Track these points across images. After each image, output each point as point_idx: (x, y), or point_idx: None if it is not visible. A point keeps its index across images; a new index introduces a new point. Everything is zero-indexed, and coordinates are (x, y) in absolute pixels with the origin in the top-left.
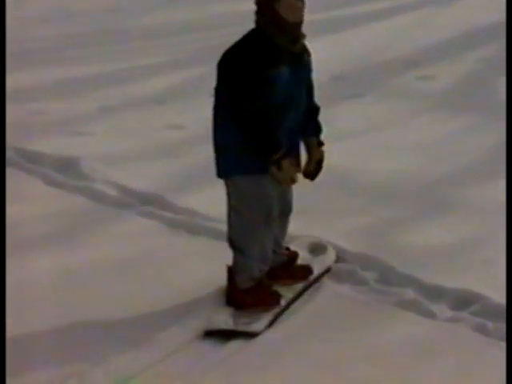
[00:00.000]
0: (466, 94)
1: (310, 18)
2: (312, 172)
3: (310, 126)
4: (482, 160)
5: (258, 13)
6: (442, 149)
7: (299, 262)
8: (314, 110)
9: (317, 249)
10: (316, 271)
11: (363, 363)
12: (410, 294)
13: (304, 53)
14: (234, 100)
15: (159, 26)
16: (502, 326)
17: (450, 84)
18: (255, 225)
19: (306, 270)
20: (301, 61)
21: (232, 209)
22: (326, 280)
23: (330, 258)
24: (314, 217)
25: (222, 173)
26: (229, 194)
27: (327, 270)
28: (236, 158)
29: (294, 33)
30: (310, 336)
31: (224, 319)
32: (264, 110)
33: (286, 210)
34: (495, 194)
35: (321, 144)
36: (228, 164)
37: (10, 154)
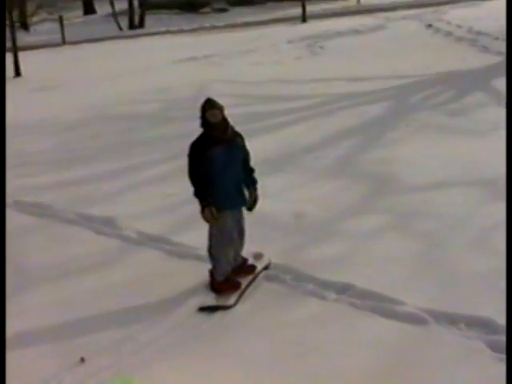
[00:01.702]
0: (339, 167)
1: (249, 127)
2: (251, 206)
3: (249, 180)
4: (351, 205)
5: (201, 119)
6: (327, 199)
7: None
8: (250, 171)
9: (257, 256)
10: (258, 268)
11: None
12: (311, 286)
13: (236, 138)
14: (188, 168)
15: (159, 137)
16: (368, 303)
17: (330, 161)
18: (223, 243)
19: (253, 267)
20: (233, 143)
21: (211, 234)
22: (262, 280)
23: (265, 260)
24: (251, 243)
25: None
26: (209, 226)
27: (265, 268)
28: (214, 201)
29: (219, 128)
30: (254, 316)
31: (209, 299)
32: (202, 175)
33: (240, 232)
34: (360, 224)
35: (255, 190)
36: (216, 206)
37: (73, 216)
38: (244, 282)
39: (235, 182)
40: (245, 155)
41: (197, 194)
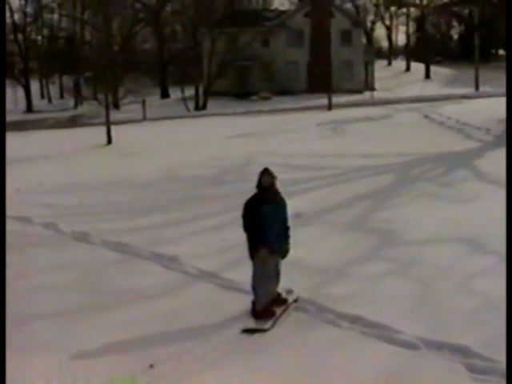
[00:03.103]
0: (354, 224)
1: (284, 190)
2: (284, 255)
3: (285, 235)
4: (362, 254)
5: (257, 182)
6: (343, 250)
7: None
8: (287, 228)
9: (289, 291)
10: (289, 300)
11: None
12: (330, 316)
13: (281, 200)
14: (243, 220)
15: (215, 194)
16: (375, 332)
17: (349, 218)
18: (264, 281)
19: (285, 300)
20: (278, 203)
21: (254, 272)
22: (291, 310)
23: (295, 295)
24: (284, 281)
25: (251, 255)
26: (257, 265)
27: (294, 301)
28: (251, 248)
29: (269, 191)
30: (285, 337)
31: (251, 324)
32: (254, 225)
33: (277, 273)
34: (370, 269)
35: (288, 244)
36: (256, 250)
37: (146, 253)
38: (278, 311)
39: (278, 234)
40: (285, 215)
41: (252, 239)
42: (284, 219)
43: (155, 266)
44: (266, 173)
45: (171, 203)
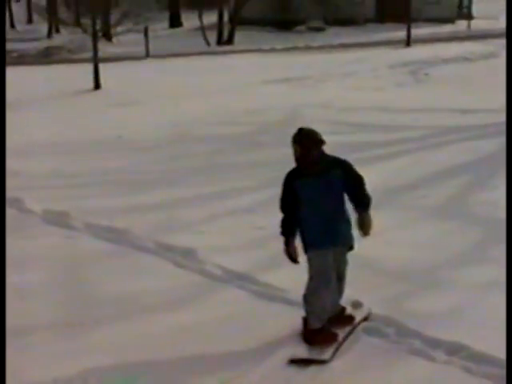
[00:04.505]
0: (447, 208)
1: (346, 157)
2: (364, 229)
3: (361, 207)
4: (461, 252)
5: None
6: (433, 245)
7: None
8: (363, 197)
9: (356, 305)
10: (357, 319)
11: None
12: (417, 343)
13: (332, 169)
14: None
15: (247, 163)
16: (484, 368)
17: (436, 201)
18: (319, 286)
19: (351, 318)
20: (325, 176)
21: (310, 276)
22: (360, 333)
23: (366, 310)
24: (350, 289)
25: (303, 250)
26: (308, 265)
27: (365, 319)
28: (305, 238)
29: (302, 162)
30: (354, 374)
31: (301, 351)
32: (291, 204)
33: (340, 277)
34: (471, 274)
35: (367, 214)
36: (304, 244)
37: (151, 244)
38: (341, 333)
39: (326, 218)
40: (350, 183)
41: (282, 224)
42: (350, 189)
43: (163, 262)
44: (294, 139)
45: (184, 174)
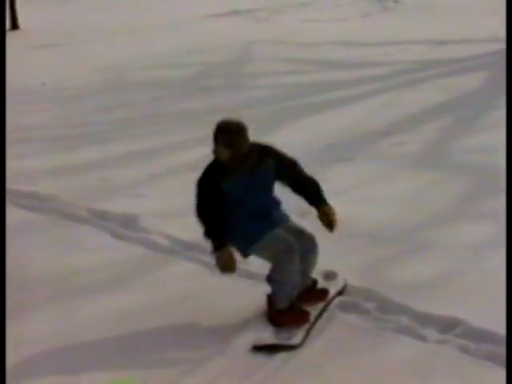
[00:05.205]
0: (429, 156)
1: (307, 101)
2: (330, 224)
3: (309, 190)
4: (448, 207)
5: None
6: (415, 199)
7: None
8: (311, 185)
9: (329, 276)
10: (332, 292)
11: None
12: (404, 320)
13: (263, 160)
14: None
15: (192, 111)
16: (484, 347)
17: (416, 148)
18: (283, 262)
19: (325, 292)
20: (257, 169)
21: (267, 260)
22: (335, 310)
23: (341, 282)
24: (320, 257)
25: (241, 254)
26: (261, 257)
27: (340, 292)
28: (240, 240)
29: (230, 163)
30: (328, 359)
31: (267, 335)
32: (214, 211)
33: (308, 247)
34: (462, 233)
35: (322, 197)
36: (241, 246)
37: (83, 212)
38: (313, 312)
39: (261, 213)
40: (287, 172)
41: (208, 232)
42: (287, 176)
43: (98, 233)
44: (221, 140)
45: (119, 127)
